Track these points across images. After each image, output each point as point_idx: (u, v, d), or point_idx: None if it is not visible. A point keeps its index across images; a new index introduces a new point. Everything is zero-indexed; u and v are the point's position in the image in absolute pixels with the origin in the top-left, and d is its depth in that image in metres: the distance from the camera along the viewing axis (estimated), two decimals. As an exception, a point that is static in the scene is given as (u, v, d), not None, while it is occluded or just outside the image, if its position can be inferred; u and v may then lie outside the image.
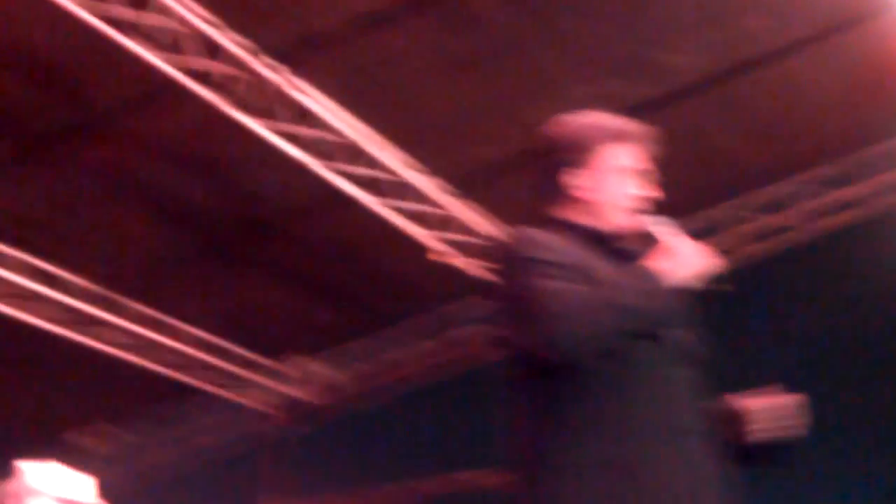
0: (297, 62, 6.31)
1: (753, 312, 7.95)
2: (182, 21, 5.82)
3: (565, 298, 2.55)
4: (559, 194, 2.86)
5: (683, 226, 2.70)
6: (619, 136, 2.85)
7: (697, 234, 8.30)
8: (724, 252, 8.05)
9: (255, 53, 6.11)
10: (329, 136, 6.66)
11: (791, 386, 2.83)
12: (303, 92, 6.41)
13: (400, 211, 7.29)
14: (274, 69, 6.22)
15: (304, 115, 6.50)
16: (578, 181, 2.83)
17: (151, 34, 5.77)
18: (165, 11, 5.76)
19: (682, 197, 7.78)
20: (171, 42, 5.87)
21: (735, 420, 2.79)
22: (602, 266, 2.70)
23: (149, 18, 5.73)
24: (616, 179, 2.82)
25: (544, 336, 2.54)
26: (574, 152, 2.85)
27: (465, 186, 7.50)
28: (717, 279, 2.70)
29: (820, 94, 6.99)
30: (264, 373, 9.30)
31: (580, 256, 2.70)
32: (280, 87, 6.29)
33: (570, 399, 2.61)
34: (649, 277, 2.62)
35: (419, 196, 7.28)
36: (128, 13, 5.67)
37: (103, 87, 6.40)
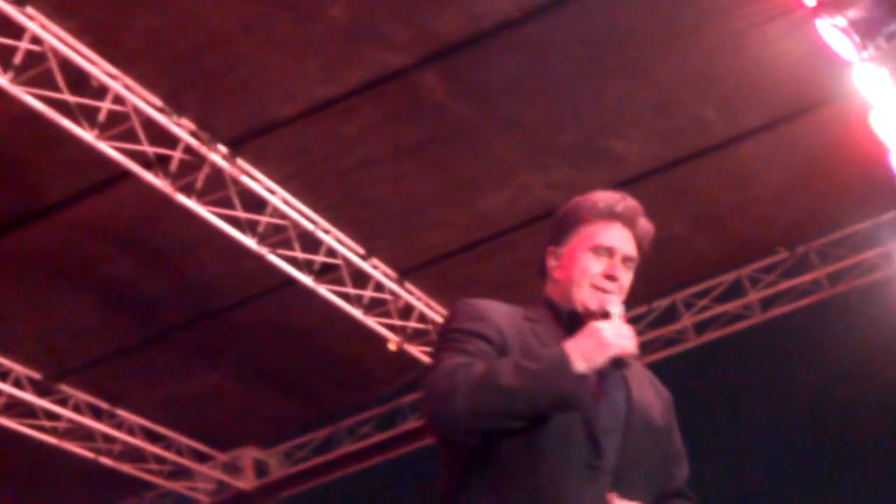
0: (249, 149, 6.29)
1: (708, 398, 7.95)
2: (136, 109, 5.78)
3: (456, 376, 2.49)
4: (545, 273, 2.86)
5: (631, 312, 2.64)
6: (595, 215, 2.81)
7: (652, 322, 8.30)
8: (678, 339, 8.08)
9: (208, 141, 6.08)
10: (281, 223, 6.61)
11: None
12: (255, 179, 6.38)
13: (351, 298, 7.22)
14: (227, 157, 6.19)
15: (255, 203, 6.46)
16: (556, 260, 2.82)
17: (104, 121, 5.72)
18: (119, 100, 5.72)
19: (636, 284, 7.86)
20: (125, 130, 5.81)
21: None
22: (540, 345, 2.63)
23: (102, 106, 5.68)
24: (585, 259, 2.77)
25: (429, 412, 2.51)
26: (556, 232, 2.84)
27: (415, 273, 7.46)
28: (619, 362, 2.57)
29: (771, 183, 7.06)
30: (213, 464, 9.11)
31: (523, 333, 2.64)
32: (233, 175, 6.25)
33: (464, 478, 2.58)
34: (556, 359, 2.50)
35: (371, 283, 7.23)
36: (80, 101, 5.62)
37: (52, 174, 6.31)
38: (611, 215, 2.81)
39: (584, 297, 2.74)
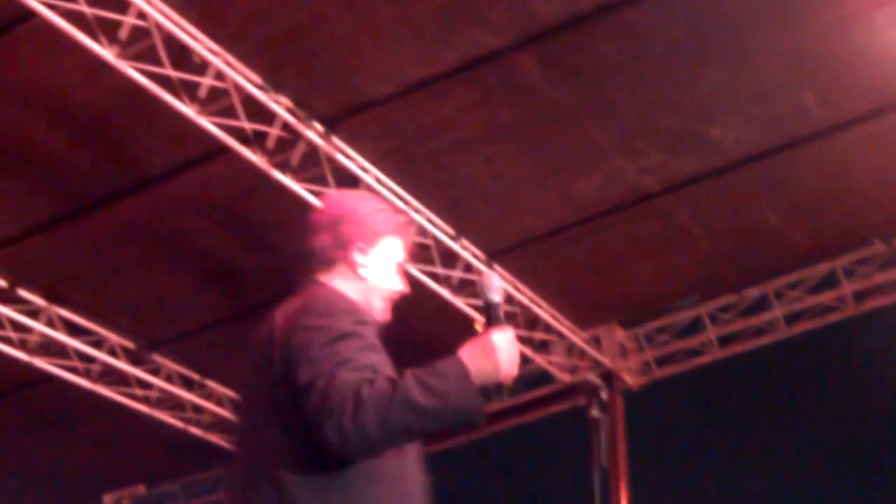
0: (345, 128, 6.33)
1: (798, 389, 7.86)
2: (235, 85, 5.86)
3: (362, 392, 2.44)
4: (340, 265, 2.89)
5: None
6: (397, 231, 2.97)
7: (743, 312, 8.16)
8: (768, 329, 7.96)
9: (304, 119, 6.14)
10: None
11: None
12: (349, 157, 6.42)
13: (440, 278, 7.25)
14: (322, 135, 6.24)
15: (349, 181, 6.50)
16: (364, 258, 2.90)
17: (205, 97, 5.80)
18: (220, 76, 5.80)
19: (727, 273, 7.79)
20: (224, 106, 5.90)
21: None
22: (382, 351, 2.67)
23: (203, 81, 5.77)
24: (392, 273, 2.93)
25: (334, 429, 2.43)
26: (369, 231, 2.92)
27: (504, 255, 7.46)
28: (500, 388, 2.55)
29: (870, 173, 6.92)
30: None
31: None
32: (328, 153, 6.30)
33: (330, 488, 2.54)
34: (460, 377, 2.50)
35: (461, 264, 7.24)
36: (182, 76, 5.71)
37: (151, 148, 6.43)
38: (406, 234, 2.99)
39: (380, 309, 2.88)
